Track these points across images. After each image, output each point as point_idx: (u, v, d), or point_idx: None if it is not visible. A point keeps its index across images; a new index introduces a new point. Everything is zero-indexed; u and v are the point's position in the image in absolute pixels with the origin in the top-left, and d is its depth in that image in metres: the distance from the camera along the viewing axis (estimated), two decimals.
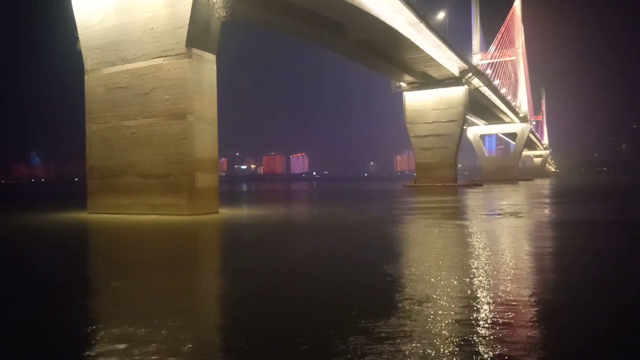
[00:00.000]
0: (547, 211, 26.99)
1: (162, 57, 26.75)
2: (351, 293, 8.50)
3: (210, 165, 27.63)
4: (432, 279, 9.29)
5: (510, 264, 10.89)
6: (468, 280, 9.21)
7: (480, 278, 9.40)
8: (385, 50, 53.62)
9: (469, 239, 15.21)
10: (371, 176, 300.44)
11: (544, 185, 73.23)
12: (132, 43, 27.74)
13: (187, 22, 25.66)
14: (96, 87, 29.41)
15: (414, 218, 23.94)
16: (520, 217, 22.94)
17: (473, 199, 39.51)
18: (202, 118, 26.93)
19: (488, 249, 13.13)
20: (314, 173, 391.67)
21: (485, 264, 10.90)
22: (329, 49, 53.76)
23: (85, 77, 29.85)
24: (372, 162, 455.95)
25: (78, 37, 29.91)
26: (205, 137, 27.21)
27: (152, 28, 26.91)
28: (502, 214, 24.48)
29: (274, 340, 6.05)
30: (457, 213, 26.48)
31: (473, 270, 10.23)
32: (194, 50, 26.30)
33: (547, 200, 37.03)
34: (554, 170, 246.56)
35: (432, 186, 64.87)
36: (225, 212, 27.57)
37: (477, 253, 12.54)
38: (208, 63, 27.41)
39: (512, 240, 15.17)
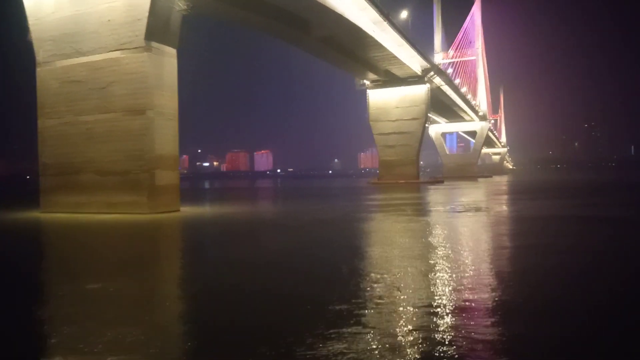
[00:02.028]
0: (504, 207, 27.99)
1: (120, 50, 25.85)
2: (319, 291, 8.50)
3: (171, 162, 26.99)
4: (393, 275, 9.41)
5: (470, 259, 11.20)
6: (428, 275, 9.41)
7: (440, 274, 9.61)
8: (350, 48, 53.94)
9: (430, 235, 15.53)
10: (335, 173, 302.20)
11: (502, 182, 75.87)
12: (89, 35, 26.66)
13: (147, 14, 24.90)
14: (49, 81, 28.08)
15: (377, 215, 24.24)
16: (480, 212, 23.68)
17: (435, 195, 40.43)
18: (162, 114, 26.24)
19: (449, 244, 13.45)
20: (279, 170, 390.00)
21: (446, 259, 11.16)
22: (294, 45, 53.56)
23: (37, 69, 28.44)
24: (336, 160, 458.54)
25: (29, 28, 28.45)
26: (165, 133, 26.54)
27: (109, 20, 25.95)
28: (463, 210, 25.17)
29: (230, 343, 5.96)
30: (420, 210, 27.01)
31: (433, 266, 10.46)
32: (154, 44, 25.57)
33: (505, 197, 38.42)
34: (511, 167, 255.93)
35: (395, 183, 65.90)
36: (187, 210, 27.04)
37: (437, 248, 12.81)
38: (168, 57, 26.73)
39: (472, 235, 15.62)
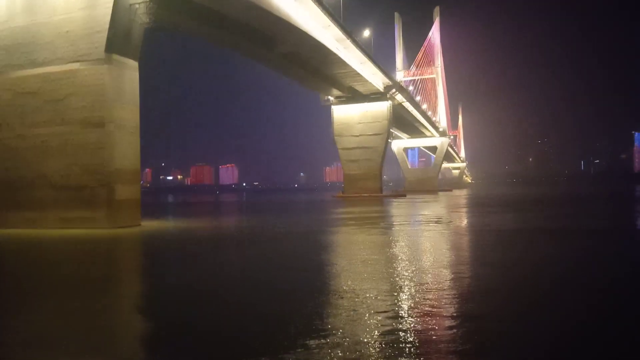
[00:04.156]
0: (464, 220, 28.92)
1: (78, 61, 25.26)
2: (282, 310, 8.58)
3: (131, 176, 26.40)
4: (354, 287, 9.62)
5: (432, 270, 11.58)
6: (388, 286, 9.69)
7: (401, 284, 9.91)
8: (314, 65, 54.69)
9: (392, 247, 15.90)
10: (301, 187, 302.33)
11: (461, 195, 78.18)
12: (44, 46, 25.93)
13: (107, 26, 24.52)
14: (1, 92, 27.01)
15: (342, 228, 24.52)
16: (440, 224, 24.41)
17: (398, 208, 41.24)
18: (122, 127, 25.73)
19: (409, 256, 13.84)
20: (244, 184, 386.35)
21: (407, 270, 11.49)
22: (258, 62, 53.78)
23: None
24: (302, 173, 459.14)
25: None
26: (126, 147, 26.00)
27: (67, 31, 25.37)
28: (424, 222, 25.85)
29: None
30: (383, 223, 27.51)
31: (395, 277, 10.76)
32: (114, 57, 25.16)
33: (464, 210, 39.68)
34: (470, 181, 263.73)
35: (359, 197, 66.70)
36: (148, 225, 26.46)
37: (399, 260, 13.16)
38: (129, 70, 26.34)
39: (432, 247, 16.10)
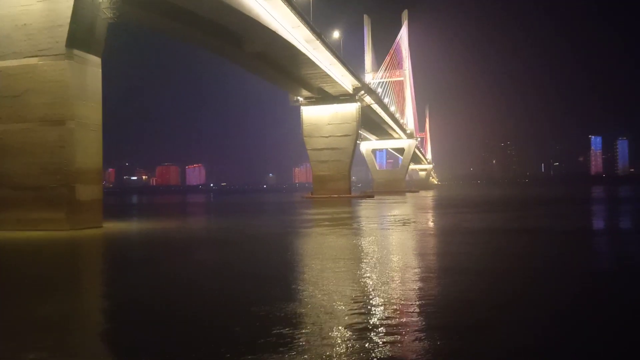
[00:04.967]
0: (430, 221, 29.50)
1: (37, 56, 24.24)
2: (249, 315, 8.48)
3: (93, 176, 25.57)
4: (325, 290, 9.64)
5: (398, 269, 11.75)
6: (355, 286, 9.76)
7: (369, 282, 9.99)
8: (284, 65, 54.53)
9: (361, 248, 16.04)
10: (270, 188, 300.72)
11: (427, 196, 79.72)
12: (0, 39, 24.76)
13: (68, 20, 23.62)
14: None
15: (311, 230, 24.53)
16: (407, 225, 24.82)
17: (366, 210, 41.64)
18: (84, 125, 24.87)
19: (377, 256, 13.99)
20: (211, 184, 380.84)
21: (375, 270, 11.61)
22: (226, 59, 53.13)
23: None
24: (271, 174, 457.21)
25: None
26: (87, 146, 25.15)
27: (25, 24, 24.29)
28: (392, 223, 26.21)
29: None
30: (352, 224, 27.70)
31: (363, 277, 10.85)
32: (76, 52, 24.29)
33: (429, 211, 40.49)
34: (436, 182, 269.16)
35: (328, 197, 66.93)
36: (111, 227, 25.69)
37: (367, 260, 13.28)
38: (92, 66, 25.50)
39: (400, 247, 16.34)
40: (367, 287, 9.81)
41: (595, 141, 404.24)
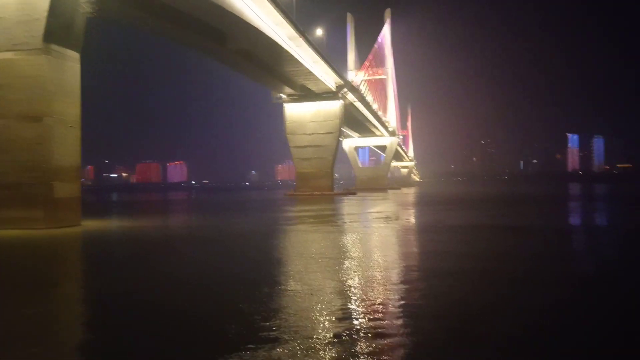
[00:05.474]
0: (412, 217, 29.84)
1: (13, 51, 23.60)
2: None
3: (71, 173, 25.10)
4: (307, 288, 9.72)
5: (381, 264, 11.89)
6: (337, 282, 9.87)
7: (350, 278, 10.10)
8: (266, 62, 54.28)
9: (343, 244, 16.15)
10: (253, 185, 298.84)
11: (410, 193, 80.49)
12: None
13: (45, 14, 23.07)
14: None
15: (293, 227, 24.57)
16: (390, 222, 25.08)
17: (349, 207, 41.86)
18: (62, 121, 24.38)
19: (359, 255, 14.12)
20: (193, 182, 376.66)
21: (359, 266, 11.72)
22: (209, 57, 52.66)
23: None
24: (253, 171, 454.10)
25: None
26: (66, 143, 24.66)
27: (0, 17, 23.66)
28: (374, 220, 26.44)
29: None
30: (335, 221, 27.83)
31: (344, 274, 10.96)
32: (54, 47, 23.76)
33: (411, 208, 40.93)
34: (418, 179, 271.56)
35: (311, 195, 67.01)
36: (90, 225, 25.29)
37: (350, 256, 13.40)
38: (71, 61, 24.98)
39: (382, 243, 16.52)
40: (350, 286, 9.93)
41: (572, 139, 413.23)
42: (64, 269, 14.18)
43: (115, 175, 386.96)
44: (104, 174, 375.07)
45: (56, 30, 23.69)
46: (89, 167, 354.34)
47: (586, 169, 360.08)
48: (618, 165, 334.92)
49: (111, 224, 28.74)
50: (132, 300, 9.18)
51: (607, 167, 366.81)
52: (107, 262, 14.69)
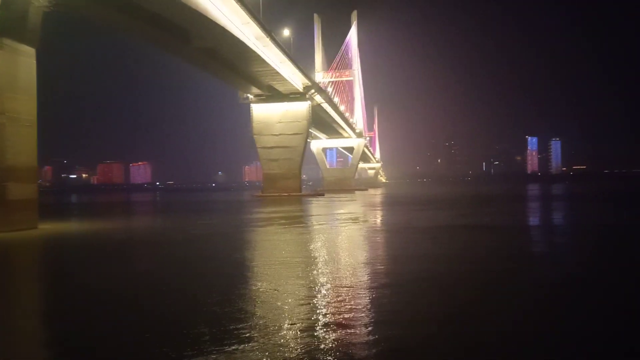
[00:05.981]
0: (378, 218, 30.14)
1: None
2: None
3: (27, 174, 23.98)
4: (276, 291, 9.60)
5: (348, 265, 11.89)
6: (302, 284, 9.80)
7: (320, 279, 10.05)
8: (233, 61, 53.62)
9: (310, 246, 16.09)
10: (219, 186, 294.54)
11: (377, 194, 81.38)
12: None
13: None
14: None
15: (260, 229, 24.33)
16: (356, 223, 25.22)
17: (317, 207, 41.87)
18: (16, 119, 23.25)
19: (327, 254, 14.09)
20: (157, 183, 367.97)
21: (326, 267, 11.68)
22: (173, 55, 51.53)
23: None
24: (220, 172, 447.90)
25: None
26: (20, 142, 23.54)
27: None
28: (341, 221, 26.52)
29: None
30: (302, 222, 27.74)
31: (312, 274, 10.90)
32: (6, 41, 22.65)
33: (377, 209, 41.37)
34: (384, 181, 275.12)
35: (278, 196, 66.65)
36: (47, 228, 24.20)
37: (316, 258, 13.34)
38: (25, 57, 23.86)
39: (348, 244, 16.55)
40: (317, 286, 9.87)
41: (532, 141, 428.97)
42: (14, 275, 13.42)
43: (75, 176, 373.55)
44: (63, 175, 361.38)
45: (9, 24, 22.63)
46: (47, 167, 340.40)
47: (545, 170, 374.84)
48: (574, 167, 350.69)
49: (70, 226, 27.62)
50: (84, 304, 8.77)
51: (564, 168, 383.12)
52: (62, 267, 14.04)
